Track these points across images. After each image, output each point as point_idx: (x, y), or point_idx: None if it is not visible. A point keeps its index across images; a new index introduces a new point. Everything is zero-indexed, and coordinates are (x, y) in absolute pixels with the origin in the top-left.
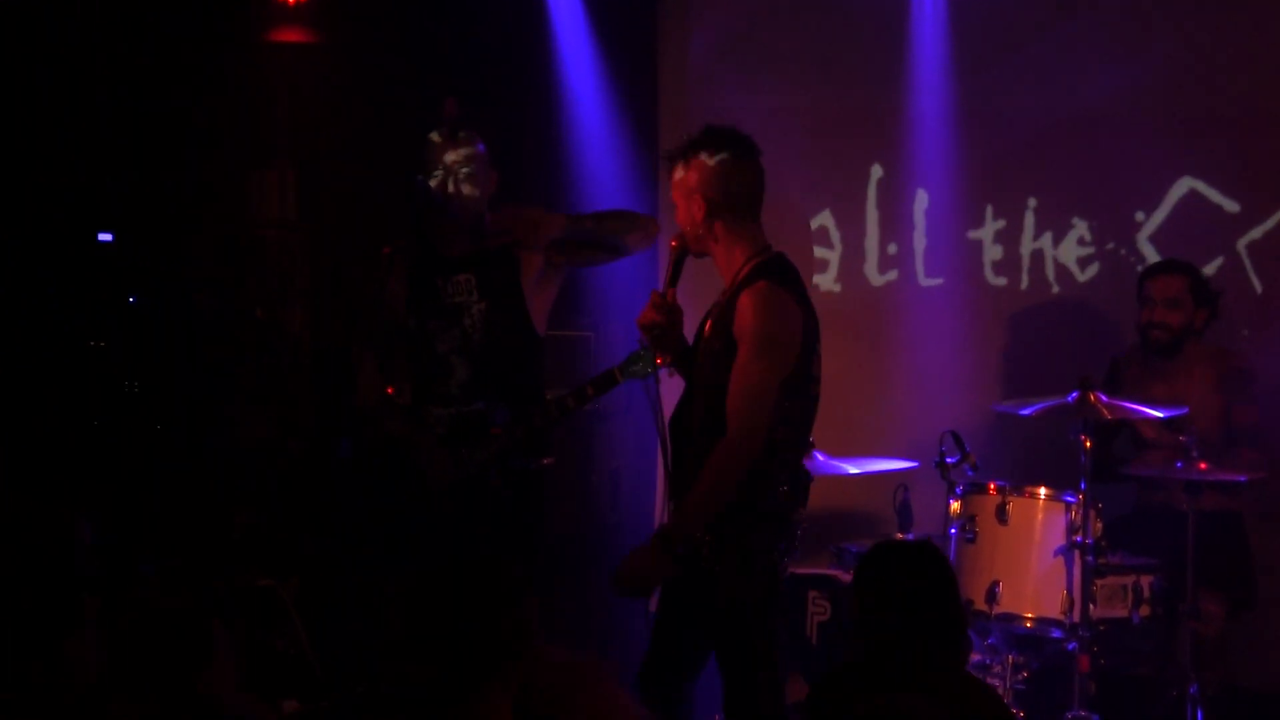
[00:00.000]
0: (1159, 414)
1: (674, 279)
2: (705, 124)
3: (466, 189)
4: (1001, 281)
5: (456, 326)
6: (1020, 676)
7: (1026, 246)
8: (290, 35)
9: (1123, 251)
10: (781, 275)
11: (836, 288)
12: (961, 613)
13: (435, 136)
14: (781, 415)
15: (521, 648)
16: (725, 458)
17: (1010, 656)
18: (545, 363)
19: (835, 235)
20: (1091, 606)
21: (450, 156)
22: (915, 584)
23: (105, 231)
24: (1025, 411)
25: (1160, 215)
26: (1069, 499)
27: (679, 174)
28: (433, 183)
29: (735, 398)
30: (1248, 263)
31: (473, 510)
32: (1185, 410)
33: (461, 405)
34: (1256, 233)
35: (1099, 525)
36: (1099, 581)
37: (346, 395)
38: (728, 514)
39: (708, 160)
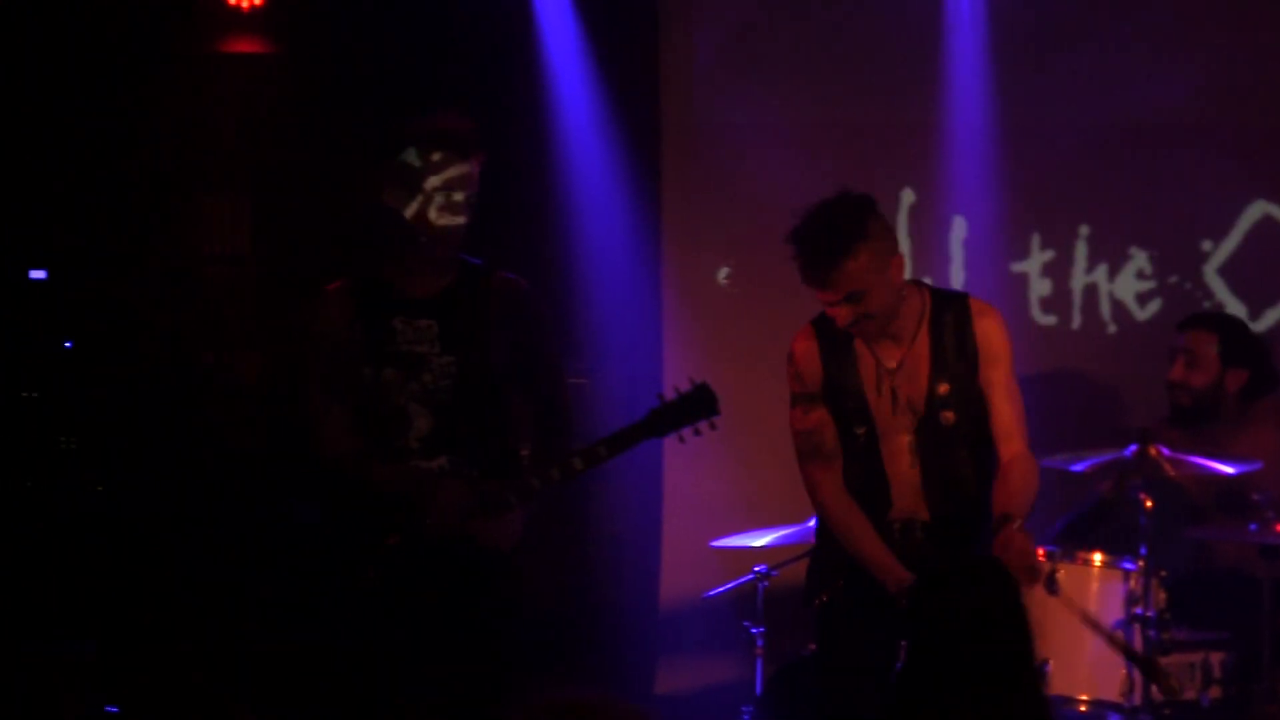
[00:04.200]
0: (1230, 469)
1: None
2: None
3: (446, 219)
4: (1050, 320)
5: (415, 380)
6: None
7: (1078, 280)
8: (243, 45)
9: (1187, 286)
10: None
11: None
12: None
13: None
14: None
15: None
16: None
17: None
18: (512, 411)
19: None
20: (1154, 688)
21: (433, 181)
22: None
23: (37, 269)
24: (1076, 467)
25: (1230, 244)
26: (1127, 566)
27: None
28: (407, 211)
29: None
30: None
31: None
32: (1259, 465)
33: (421, 459)
34: None
35: (1162, 595)
36: (1163, 659)
37: (307, 449)
38: None
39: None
